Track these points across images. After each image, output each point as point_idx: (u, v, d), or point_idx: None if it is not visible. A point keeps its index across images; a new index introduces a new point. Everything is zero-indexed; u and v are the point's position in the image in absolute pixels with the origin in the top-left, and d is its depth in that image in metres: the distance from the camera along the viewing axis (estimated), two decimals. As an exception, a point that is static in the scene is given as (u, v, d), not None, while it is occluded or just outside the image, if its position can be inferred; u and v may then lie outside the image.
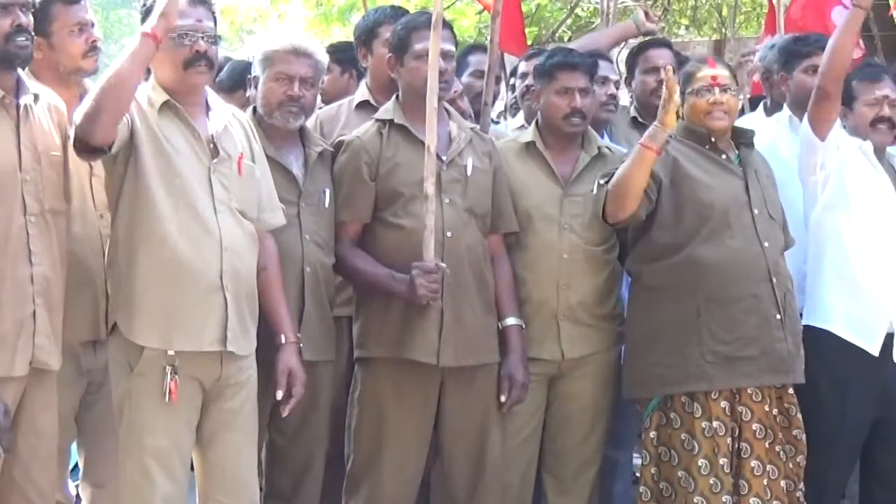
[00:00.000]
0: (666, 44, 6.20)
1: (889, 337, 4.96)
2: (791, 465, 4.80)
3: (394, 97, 4.92)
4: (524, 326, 4.88)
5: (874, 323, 4.96)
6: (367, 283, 4.79)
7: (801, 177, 5.12)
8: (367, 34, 5.52)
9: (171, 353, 4.16)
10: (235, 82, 5.72)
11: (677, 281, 4.74)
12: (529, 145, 5.04)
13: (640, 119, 5.85)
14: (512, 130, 5.81)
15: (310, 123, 4.98)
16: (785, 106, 5.59)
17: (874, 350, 4.93)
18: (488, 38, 5.65)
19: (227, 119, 4.42)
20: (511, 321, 4.84)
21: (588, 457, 5.04)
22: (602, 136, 5.44)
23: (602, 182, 4.79)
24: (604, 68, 5.53)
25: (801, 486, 4.84)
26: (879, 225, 5.01)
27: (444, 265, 4.64)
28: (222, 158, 4.31)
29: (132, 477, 4.23)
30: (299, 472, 4.77)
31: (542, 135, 5.05)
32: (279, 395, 4.43)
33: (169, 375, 4.15)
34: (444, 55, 4.77)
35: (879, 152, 5.12)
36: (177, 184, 4.20)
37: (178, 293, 4.18)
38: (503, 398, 4.79)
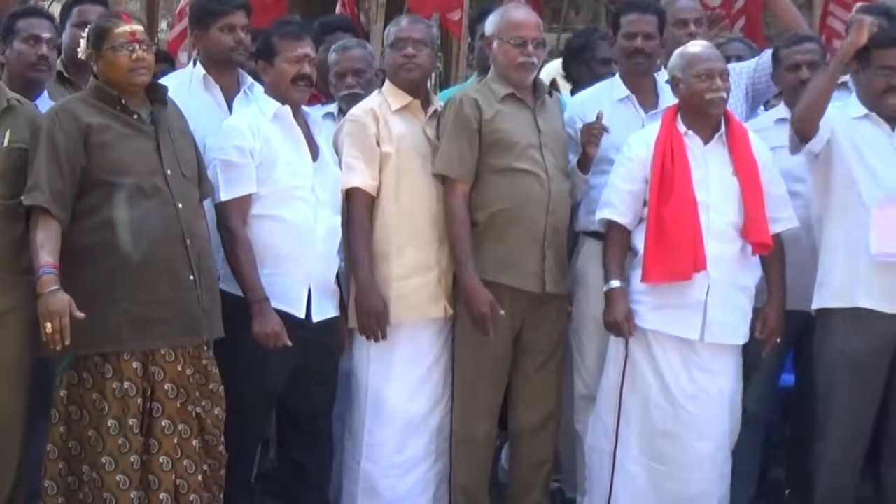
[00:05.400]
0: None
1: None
2: (210, 420, 4.89)
3: None
4: None
5: (296, 288, 5.15)
6: None
7: None
8: None
9: None
10: None
11: (94, 243, 4.71)
12: None
13: (66, 74, 5.72)
14: None
15: None
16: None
17: (300, 313, 5.14)
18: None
19: None
20: None
21: (7, 421, 4.88)
22: (38, 96, 5.34)
23: None
24: (39, 26, 5.39)
25: (223, 438, 4.93)
26: (293, 191, 5.17)
27: None
28: None
29: None
30: None
31: None
32: None
33: None
34: None
35: (295, 110, 5.27)
36: None
37: None
38: None
